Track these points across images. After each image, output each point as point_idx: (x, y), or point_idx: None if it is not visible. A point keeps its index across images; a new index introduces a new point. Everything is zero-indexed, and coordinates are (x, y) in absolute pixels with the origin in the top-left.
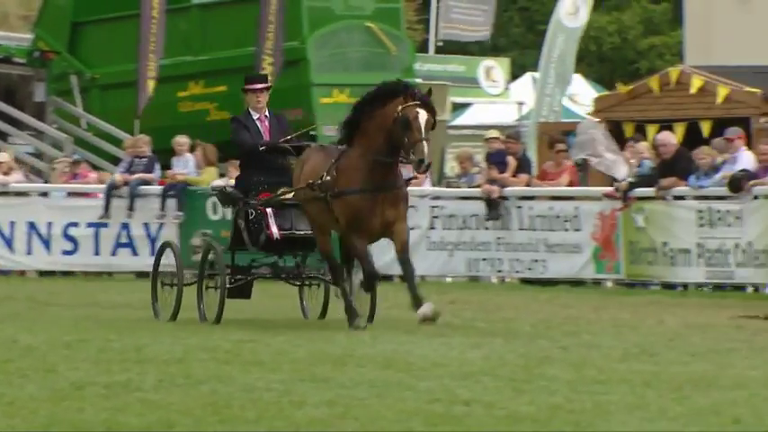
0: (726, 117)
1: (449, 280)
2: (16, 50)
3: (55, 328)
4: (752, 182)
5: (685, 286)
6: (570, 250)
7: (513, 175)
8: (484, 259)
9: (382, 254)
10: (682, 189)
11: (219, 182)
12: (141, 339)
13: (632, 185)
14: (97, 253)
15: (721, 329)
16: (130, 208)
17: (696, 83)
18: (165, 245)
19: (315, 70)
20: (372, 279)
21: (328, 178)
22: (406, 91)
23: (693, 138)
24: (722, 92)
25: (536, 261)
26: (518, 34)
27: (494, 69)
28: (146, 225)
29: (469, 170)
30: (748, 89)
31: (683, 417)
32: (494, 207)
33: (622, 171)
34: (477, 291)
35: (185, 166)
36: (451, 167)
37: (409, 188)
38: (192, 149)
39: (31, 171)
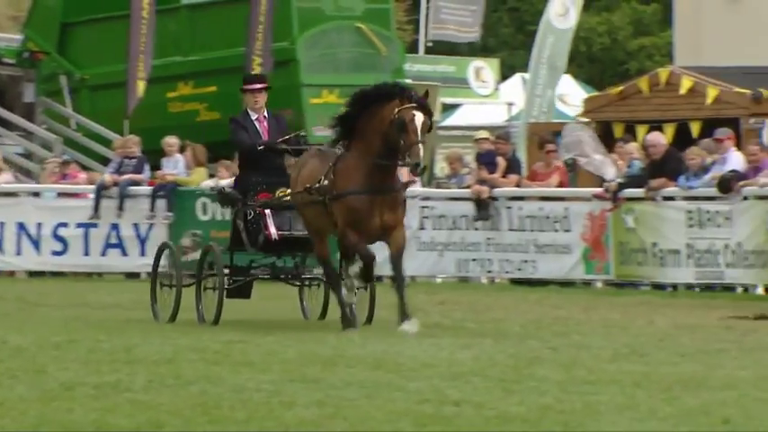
0: (715, 118)
1: (439, 280)
2: (6, 51)
3: (44, 329)
4: (741, 182)
5: (675, 287)
6: (560, 251)
7: (503, 176)
8: (474, 260)
9: (377, 254)
10: (671, 190)
11: (209, 182)
12: (131, 340)
13: (622, 186)
14: (87, 253)
15: (711, 330)
16: (120, 208)
17: (686, 83)
18: (164, 246)
19: (305, 71)
20: (368, 260)
21: (326, 182)
22: (402, 93)
23: (683, 138)
24: (712, 92)
25: (526, 262)
26: (507, 35)
27: (483, 70)
28: (135, 225)
29: (459, 171)
30: (738, 90)
31: (673, 417)
32: (483, 207)
33: (610, 172)
34: (467, 291)
35: (175, 166)
36: (441, 168)
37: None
38: (181, 150)
39: (20, 171)
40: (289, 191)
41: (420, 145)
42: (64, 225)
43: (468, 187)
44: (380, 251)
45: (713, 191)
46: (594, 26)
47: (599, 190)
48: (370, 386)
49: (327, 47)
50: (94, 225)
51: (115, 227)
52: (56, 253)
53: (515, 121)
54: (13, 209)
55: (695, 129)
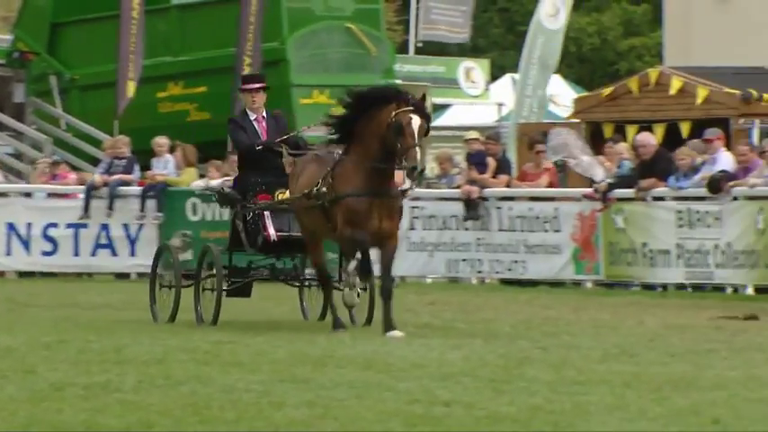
0: (705, 118)
1: (429, 281)
2: None
3: (34, 329)
4: (731, 183)
5: (665, 287)
6: (550, 251)
7: (493, 176)
8: (464, 260)
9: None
10: (661, 190)
11: (199, 182)
12: (121, 340)
13: (612, 186)
14: (77, 254)
15: (701, 330)
16: (110, 208)
17: (676, 84)
18: (163, 247)
19: (294, 71)
20: (364, 247)
21: (324, 189)
22: (399, 96)
23: (673, 138)
24: (702, 93)
25: (516, 262)
26: (498, 35)
27: (473, 70)
28: (125, 226)
29: (449, 171)
30: (727, 90)
31: (663, 417)
32: (473, 208)
33: (599, 173)
34: (457, 291)
35: (165, 166)
36: (431, 168)
37: None
38: (171, 150)
39: (10, 172)
40: (287, 192)
41: (417, 148)
42: (54, 225)
43: (458, 187)
44: (374, 253)
45: (703, 191)
46: (584, 26)
47: (589, 190)
48: (360, 386)
49: (317, 47)
50: (84, 225)
51: (105, 227)
52: (46, 253)
53: (505, 122)
54: (3, 209)
55: (685, 129)
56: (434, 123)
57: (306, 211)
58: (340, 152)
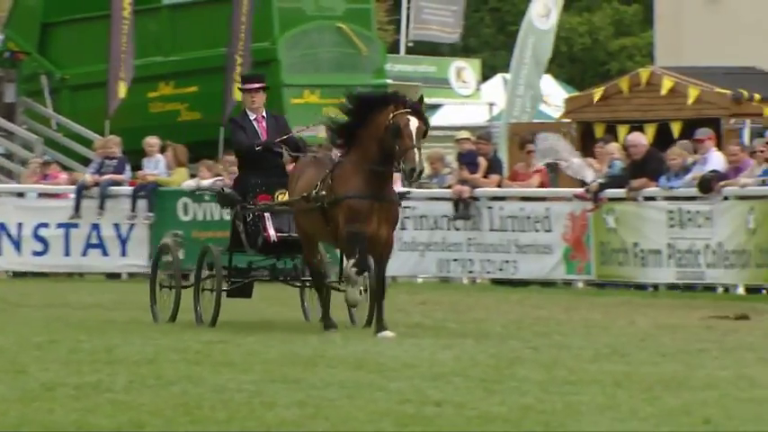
0: (696, 118)
1: (420, 280)
2: None
3: (25, 329)
4: (722, 183)
5: (656, 287)
6: (541, 251)
7: (484, 176)
8: (455, 260)
9: None
10: (652, 190)
11: (190, 182)
12: (112, 340)
13: (603, 186)
14: (67, 254)
15: (692, 330)
16: (101, 208)
17: (667, 84)
18: (164, 247)
19: (285, 71)
20: (362, 240)
21: (323, 193)
22: (397, 99)
23: (664, 138)
24: (693, 93)
25: (507, 262)
26: (489, 35)
27: (465, 70)
28: (116, 226)
29: (440, 171)
30: (718, 90)
31: (654, 417)
32: (464, 207)
33: (589, 175)
34: (448, 291)
35: (156, 166)
36: None
37: None
38: (162, 150)
39: (0, 172)
40: (287, 193)
41: (415, 150)
42: (44, 225)
43: (449, 187)
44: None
45: (694, 191)
46: (575, 26)
47: (580, 190)
48: (352, 386)
49: (308, 47)
50: (75, 225)
51: (96, 227)
52: (36, 253)
53: (496, 122)
54: None
55: (676, 129)
56: None
57: (304, 214)
58: (339, 154)
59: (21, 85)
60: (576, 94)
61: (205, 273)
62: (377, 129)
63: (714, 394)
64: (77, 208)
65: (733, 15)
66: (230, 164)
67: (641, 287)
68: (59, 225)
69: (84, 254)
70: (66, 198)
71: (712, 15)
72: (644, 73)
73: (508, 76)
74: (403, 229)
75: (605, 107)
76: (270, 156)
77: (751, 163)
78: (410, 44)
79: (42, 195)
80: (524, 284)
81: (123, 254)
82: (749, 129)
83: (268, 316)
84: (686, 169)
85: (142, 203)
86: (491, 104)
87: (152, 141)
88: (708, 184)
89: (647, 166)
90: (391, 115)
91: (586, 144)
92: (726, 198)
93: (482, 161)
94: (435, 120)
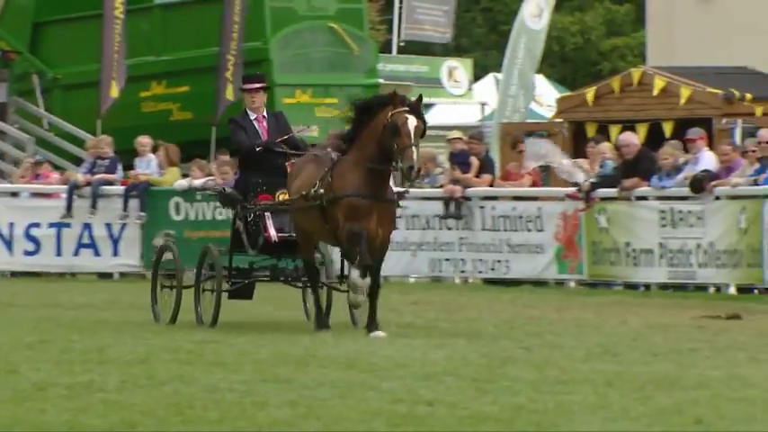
0: (688, 118)
1: (412, 280)
2: None
3: (17, 329)
4: (713, 182)
5: (648, 286)
6: (533, 251)
7: (476, 176)
8: (447, 259)
9: None
10: (644, 189)
11: (182, 182)
12: (103, 340)
13: (594, 186)
14: (59, 253)
15: (683, 329)
16: (93, 207)
17: (659, 84)
18: (165, 247)
19: (277, 70)
20: (365, 263)
21: (321, 191)
22: (396, 98)
23: (656, 138)
24: (685, 93)
25: (499, 261)
26: (481, 35)
27: (457, 70)
28: (108, 225)
29: (432, 171)
30: (710, 90)
31: (646, 417)
32: (456, 207)
33: (581, 176)
34: (440, 291)
35: (148, 166)
36: None
37: None
38: (154, 150)
39: None
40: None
41: (413, 148)
42: (36, 225)
43: (441, 187)
44: None
45: (686, 191)
46: (567, 26)
47: (572, 190)
48: (343, 386)
49: (300, 47)
50: (67, 225)
51: (88, 227)
52: (28, 253)
53: (488, 121)
54: None
55: (668, 129)
56: None
57: (303, 212)
58: (338, 152)
59: (12, 85)
60: (568, 93)
61: (205, 273)
62: (376, 127)
63: (706, 394)
64: (69, 208)
65: (725, 15)
66: (223, 164)
67: (633, 287)
68: (51, 225)
69: (76, 254)
70: (57, 198)
71: (704, 15)
72: (636, 73)
73: (500, 75)
74: (394, 228)
75: (597, 107)
76: (271, 156)
77: (742, 163)
78: (402, 44)
79: (34, 195)
80: (516, 284)
81: (115, 254)
82: (741, 128)
83: (267, 316)
84: (678, 169)
85: (134, 203)
86: (483, 104)
87: (144, 141)
88: (699, 184)
89: (638, 166)
90: (390, 114)
91: (578, 144)
92: (717, 198)
93: (474, 161)
94: (427, 119)
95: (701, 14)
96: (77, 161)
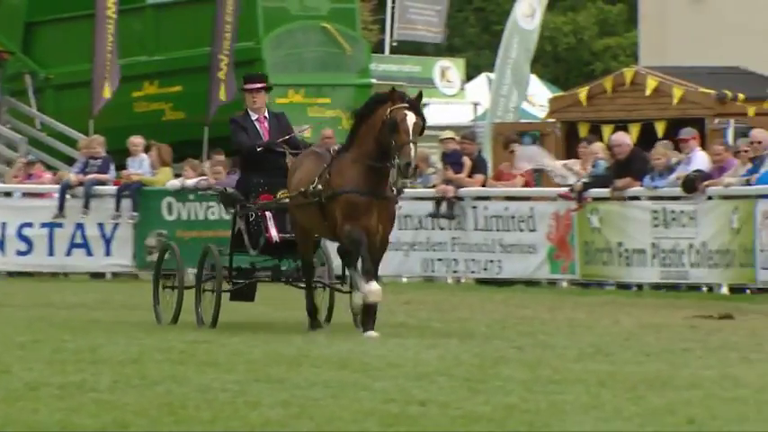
0: (680, 118)
1: (404, 280)
2: None
3: (9, 329)
4: (706, 182)
5: (640, 286)
6: (525, 251)
7: (469, 176)
8: (439, 259)
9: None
10: (636, 189)
11: (175, 182)
12: (96, 340)
13: (587, 186)
14: (51, 253)
15: (676, 329)
16: (85, 207)
17: (651, 84)
18: (166, 247)
19: (270, 70)
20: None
21: (320, 187)
22: (395, 95)
23: (648, 138)
24: (677, 93)
25: (491, 261)
26: (473, 35)
27: (449, 70)
28: (100, 225)
29: (425, 171)
30: (702, 90)
31: (638, 416)
32: (449, 207)
33: (571, 179)
34: (433, 291)
35: (140, 166)
36: None
37: None
38: (146, 150)
39: None
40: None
41: (411, 145)
42: (28, 225)
43: (433, 187)
44: None
45: (678, 191)
46: (560, 26)
47: (564, 190)
48: (336, 386)
49: (293, 47)
50: (59, 225)
51: (80, 227)
52: (20, 253)
53: (481, 121)
54: None
55: (660, 129)
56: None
57: (301, 209)
58: (336, 149)
59: (5, 85)
60: (561, 93)
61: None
62: (374, 124)
63: (698, 394)
64: (61, 207)
65: (717, 15)
66: (216, 163)
67: (625, 287)
68: (43, 225)
69: (69, 253)
70: (50, 198)
71: (697, 15)
72: (628, 73)
73: (493, 75)
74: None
75: (589, 107)
76: (272, 156)
77: (735, 163)
78: (395, 44)
79: (26, 195)
80: (509, 284)
81: (108, 253)
82: (733, 128)
83: (265, 316)
84: (670, 169)
85: (126, 203)
86: (475, 104)
87: (136, 141)
88: (692, 184)
89: (631, 166)
90: (389, 110)
91: (571, 144)
92: (710, 198)
93: (466, 161)
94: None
95: (693, 14)
96: (70, 161)
